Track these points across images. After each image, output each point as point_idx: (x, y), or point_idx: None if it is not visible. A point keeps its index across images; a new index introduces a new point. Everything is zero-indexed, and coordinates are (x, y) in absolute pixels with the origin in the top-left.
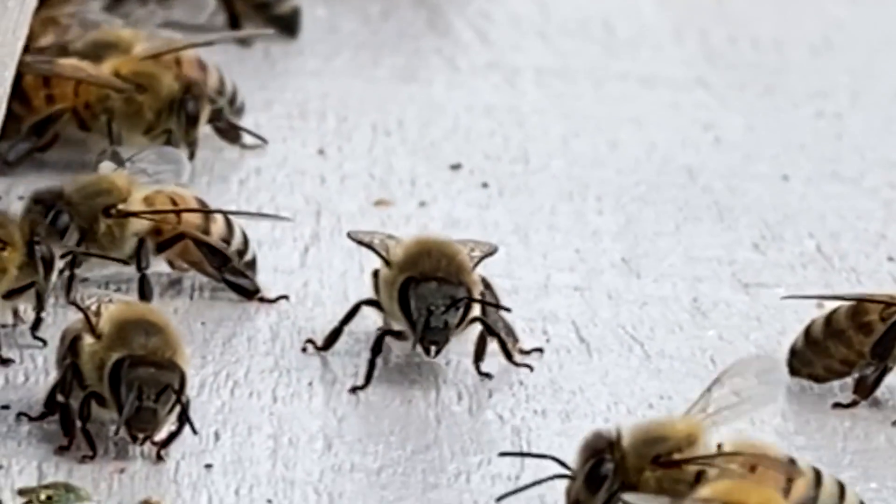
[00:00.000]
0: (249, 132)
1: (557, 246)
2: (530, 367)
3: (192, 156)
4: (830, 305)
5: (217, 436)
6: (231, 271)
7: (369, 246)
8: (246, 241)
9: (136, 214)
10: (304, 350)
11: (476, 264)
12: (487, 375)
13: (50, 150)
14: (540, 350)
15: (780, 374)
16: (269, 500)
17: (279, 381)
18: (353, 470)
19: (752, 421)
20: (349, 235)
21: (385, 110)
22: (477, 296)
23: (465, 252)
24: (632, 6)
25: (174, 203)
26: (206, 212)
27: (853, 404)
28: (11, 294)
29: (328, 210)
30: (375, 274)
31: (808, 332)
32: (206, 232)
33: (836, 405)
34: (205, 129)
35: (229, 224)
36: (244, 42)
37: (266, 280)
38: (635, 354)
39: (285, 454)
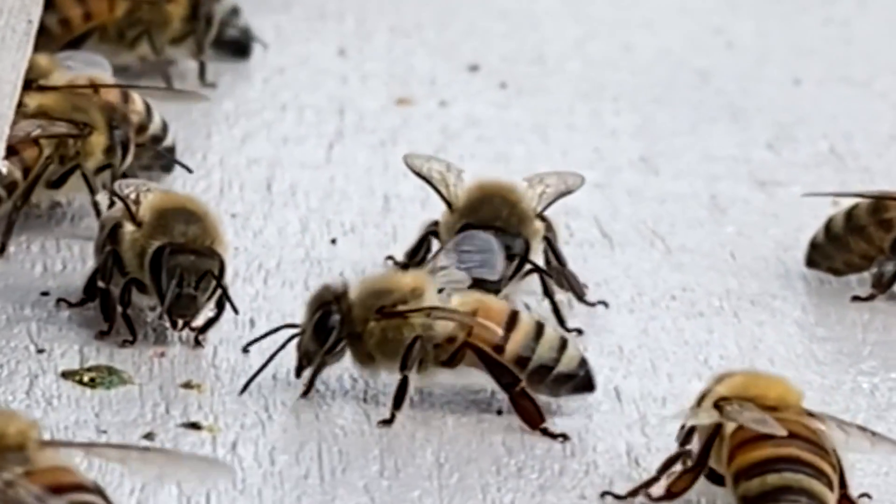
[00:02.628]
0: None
1: (576, 145)
2: (580, 331)
3: (202, 54)
4: (846, 202)
5: (252, 323)
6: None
7: (428, 181)
8: (165, 127)
9: (54, 89)
10: None
11: (545, 207)
12: (578, 330)
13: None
14: (605, 304)
15: (497, 253)
16: (296, 415)
17: (311, 272)
18: None
19: (773, 313)
20: (405, 160)
21: (402, 12)
22: (536, 245)
23: (531, 195)
24: None
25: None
26: (120, 86)
27: (871, 297)
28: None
29: (351, 108)
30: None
31: (828, 227)
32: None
33: (855, 298)
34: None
35: (148, 108)
36: None
37: (292, 176)
38: (657, 248)
39: None
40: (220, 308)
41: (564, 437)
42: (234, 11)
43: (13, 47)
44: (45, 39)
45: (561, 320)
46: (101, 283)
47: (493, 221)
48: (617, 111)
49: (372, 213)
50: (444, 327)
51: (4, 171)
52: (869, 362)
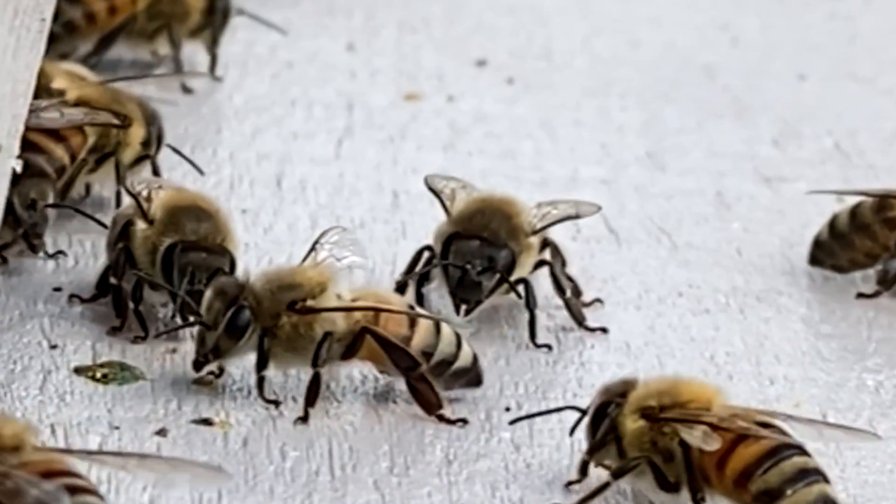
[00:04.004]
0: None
1: (584, 141)
2: (549, 347)
3: (216, 46)
4: (850, 199)
5: None
6: None
7: (438, 195)
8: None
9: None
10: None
11: (546, 226)
12: (547, 346)
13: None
14: (600, 301)
15: (361, 245)
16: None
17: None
18: None
19: (779, 310)
20: (426, 180)
21: (410, 7)
22: (528, 261)
23: (534, 213)
24: None
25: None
26: (112, 80)
27: (877, 294)
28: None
29: (360, 104)
30: None
31: (832, 224)
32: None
33: (861, 295)
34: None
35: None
36: None
37: (302, 171)
38: (663, 245)
39: None
40: None
41: (464, 421)
42: None
43: (27, 46)
44: (71, 35)
45: (533, 335)
46: (112, 280)
47: (481, 232)
48: (624, 107)
49: (381, 209)
50: (350, 322)
51: (19, 169)
52: (874, 359)
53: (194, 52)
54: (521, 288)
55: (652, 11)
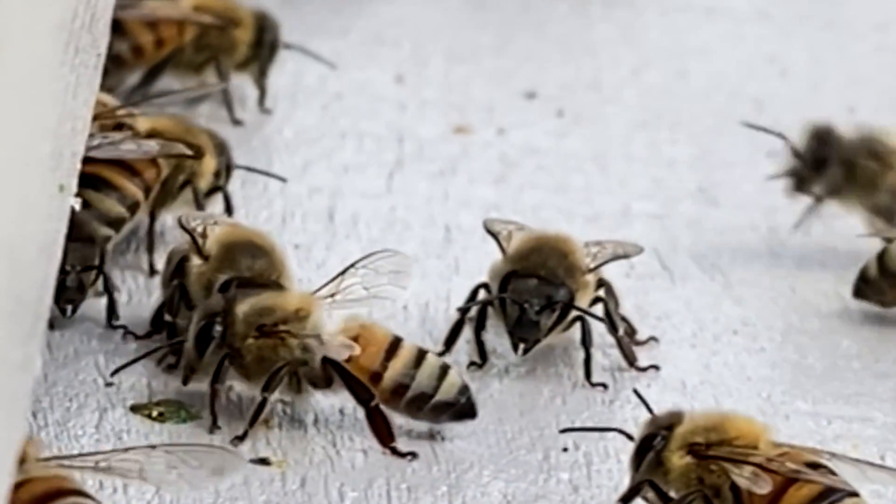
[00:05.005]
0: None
1: (635, 174)
2: (605, 386)
3: (264, 78)
4: None
5: None
6: None
7: (495, 237)
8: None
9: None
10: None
11: (596, 267)
12: (603, 385)
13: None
14: (655, 339)
15: (408, 274)
16: (364, 452)
17: (373, 303)
18: None
19: (834, 349)
20: (485, 224)
21: (458, 38)
22: (584, 299)
23: (582, 252)
24: None
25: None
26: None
27: None
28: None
29: (410, 136)
30: None
31: (882, 261)
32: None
33: None
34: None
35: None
36: None
37: (354, 205)
38: (717, 282)
39: None
40: None
41: (413, 455)
42: None
43: (85, 83)
44: (118, 68)
45: (588, 373)
46: (167, 317)
47: (538, 270)
48: (674, 140)
49: (433, 243)
50: (319, 351)
51: (78, 207)
52: None
53: (243, 85)
54: (577, 325)
55: (700, 43)
